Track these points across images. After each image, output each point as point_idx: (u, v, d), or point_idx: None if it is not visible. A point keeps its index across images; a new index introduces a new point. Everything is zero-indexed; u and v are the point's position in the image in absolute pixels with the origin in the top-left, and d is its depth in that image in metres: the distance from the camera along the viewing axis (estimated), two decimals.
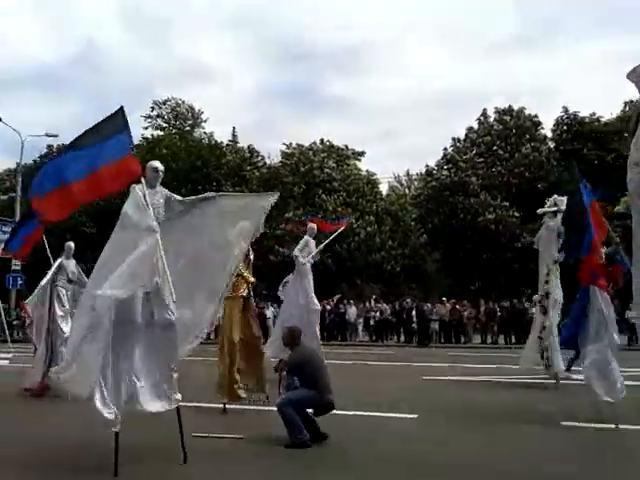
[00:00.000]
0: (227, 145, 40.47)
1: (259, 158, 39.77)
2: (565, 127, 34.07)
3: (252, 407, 8.16)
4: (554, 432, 6.99)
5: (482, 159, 33.72)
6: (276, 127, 70.76)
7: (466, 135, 35.36)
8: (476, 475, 5.37)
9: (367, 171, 38.96)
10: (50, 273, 10.45)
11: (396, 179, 50.80)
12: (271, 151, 40.52)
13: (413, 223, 36.78)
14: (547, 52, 70.19)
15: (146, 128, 44.43)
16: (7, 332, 19.77)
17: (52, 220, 6.32)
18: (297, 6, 78.87)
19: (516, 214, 31.26)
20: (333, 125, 70.61)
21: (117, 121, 5.42)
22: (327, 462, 5.81)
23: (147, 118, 45.68)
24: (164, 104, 46.34)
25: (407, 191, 48.56)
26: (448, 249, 33.96)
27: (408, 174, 51.04)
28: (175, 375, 5.43)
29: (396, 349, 22.29)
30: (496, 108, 34.98)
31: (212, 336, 9.60)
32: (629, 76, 3.78)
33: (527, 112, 34.41)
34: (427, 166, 37.35)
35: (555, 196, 11.31)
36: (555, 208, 11.05)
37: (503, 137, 33.76)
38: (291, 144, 38.33)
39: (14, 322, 25.36)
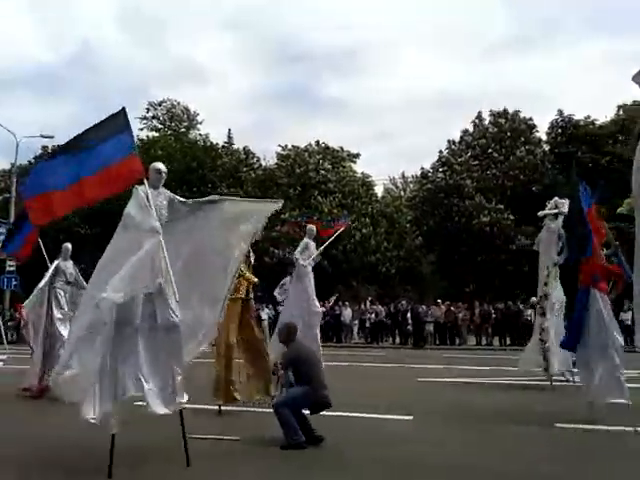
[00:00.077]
0: (222, 147, 40.45)
1: (255, 160, 39.77)
2: (560, 130, 34.20)
3: (247, 409, 8.16)
4: (551, 433, 7.02)
5: (477, 162, 33.82)
6: (273, 128, 70.77)
7: (461, 137, 35.49)
8: (474, 476, 5.39)
9: (362, 173, 39.06)
10: (48, 275, 10.38)
11: (391, 181, 50.90)
12: (268, 152, 40.64)
13: (408, 225, 36.87)
14: (543, 55, 70.68)
15: (141, 129, 44.32)
16: (2, 333, 19.66)
17: (47, 221, 6.28)
18: (293, 7, 79.09)
19: (511, 217, 31.39)
20: (330, 126, 70.78)
21: (118, 121, 5.40)
22: (323, 463, 5.81)
23: (142, 119, 45.62)
24: (159, 105, 46.29)
25: (402, 193, 48.66)
26: (443, 251, 34.02)
27: (403, 176, 51.18)
28: (179, 378, 5.38)
29: (391, 351, 22.36)
30: (491, 111, 35.15)
31: None
32: (634, 78, 3.78)
33: (522, 115, 34.59)
34: (422, 168, 37.52)
35: (556, 198, 11.34)
36: (556, 210, 11.09)
37: (498, 140, 33.88)
38: (287, 146, 38.44)
39: (8, 323, 25.27)
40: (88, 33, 76.28)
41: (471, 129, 35.34)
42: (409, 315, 24.97)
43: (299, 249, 11.27)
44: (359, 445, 6.37)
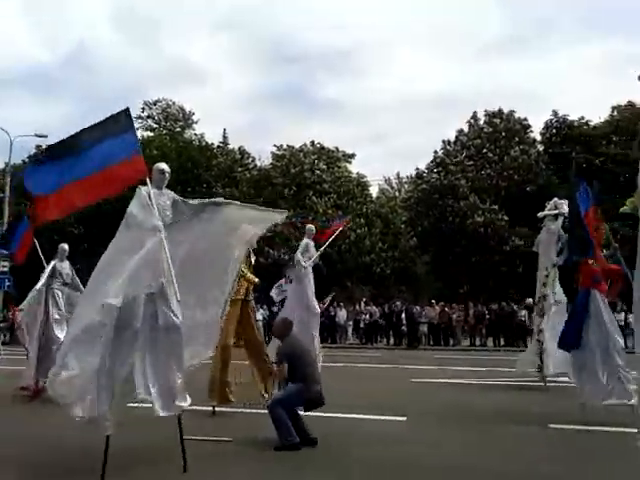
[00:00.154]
0: (218, 147, 40.39)
1: (250, 160, 39.75)
2: (554, 130, 34.31)
3: (241, 410, 8.15)
4: (548, 434, 7.04)
5: (472, 162, 33.80)
6: (268, 128, 70.72)
7: (456, 138, 35.44)
8: (471, 477, 5.40)
9: (357, 173, 39.09)
10: (45, 277, 10.30)
11: (386, 182, 50.97)
12: (263, 153, 40.60)
13: (403, 226, 36.89)
14: (538, 55, 70.96)
15: (136, 129, 44.17)
16: None
17: (49, 219, 6.20)
18: (288, 7, 79.08)
19: (505, 217, 31.44)
20: (325, 127, 70.84)
21: (121, 121, 5.37)
22: (317, 464, 5.80)
23: (137, 119, 45.44)
24: (154, 105, 46.21)
25: (397, 194, 48.69)
26: (437, 252, 34.05)
27: (398, 177, 51.26)
28: (179, 380, 5.33)
29: (385, 351, 22.38)
30: (486, 111, 35.13)
31: None
32: None
33: (517, 115, 34.60)
34: (417, 169, 37.44)
35: (555, 199, 11.36)
36: (556, 211, 11.10)
37: (493, 140, 33.88)
38: (282, 146, 38.38)
39: (1, 324, 25.12)
40: (83, 33, 76.02)
41: (466, 129, 35.37)
42: (403, 316, 25.02)
43: (300, 250, 11.04)
44: (354, 446, 6.37)
